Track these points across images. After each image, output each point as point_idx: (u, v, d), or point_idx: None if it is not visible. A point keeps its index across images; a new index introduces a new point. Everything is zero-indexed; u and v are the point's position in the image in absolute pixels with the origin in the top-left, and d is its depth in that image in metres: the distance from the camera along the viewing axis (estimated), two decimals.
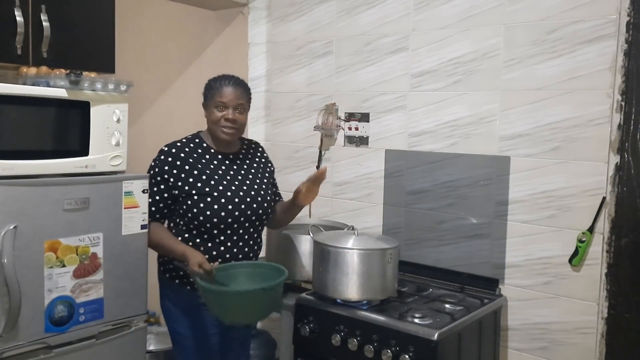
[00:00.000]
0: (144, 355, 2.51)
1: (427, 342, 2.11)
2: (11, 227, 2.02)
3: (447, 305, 2.43)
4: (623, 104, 2.29)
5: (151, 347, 2.93)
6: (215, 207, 2.29)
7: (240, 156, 2.47)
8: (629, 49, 2.27)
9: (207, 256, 2.27)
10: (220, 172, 2.37)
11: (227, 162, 2.41)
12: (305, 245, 2.67)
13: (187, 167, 2.32)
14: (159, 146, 2.84)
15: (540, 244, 2.49)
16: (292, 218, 2.60)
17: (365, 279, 2.33)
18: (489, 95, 2.60)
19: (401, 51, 2.87)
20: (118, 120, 2.35)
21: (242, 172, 2.43)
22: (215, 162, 2.38)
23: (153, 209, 2.35)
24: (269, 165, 2.60)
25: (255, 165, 2.51)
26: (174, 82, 3.56)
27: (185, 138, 2.42)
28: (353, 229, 2.89)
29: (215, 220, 2.29)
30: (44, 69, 2.25)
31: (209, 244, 2.34)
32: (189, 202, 2.30)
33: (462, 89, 2.68)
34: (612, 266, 2.34)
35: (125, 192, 2.34)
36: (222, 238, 2.34)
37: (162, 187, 2.33)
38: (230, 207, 2.31)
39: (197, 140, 2.41)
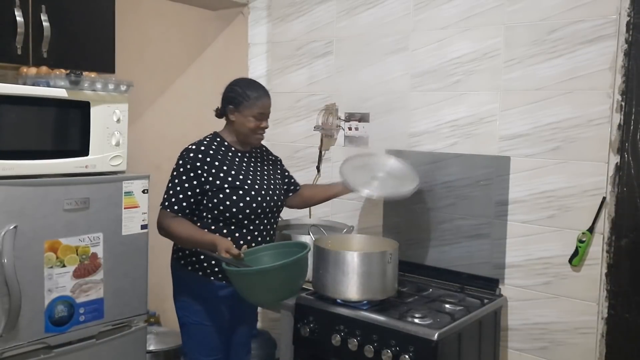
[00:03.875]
0: (144, 355, 2.51)
1: (427, 342, 2.11)
2: (11, 227, 2.02)
3: (447, 306, 2.42)
4: (623, 104, 2.29)
5: (151, 347, 2.94)
6: (247, 199, 2.38)
7: (254, 154, 2.57)
8: (629, 49, 2.27)
9: (245, 245, 2.35)
10: (243, 167, 2.46)
11: (245, 159, 2.50)
12: None
13: (216, 163, 2.38)
14: (159, 146, 2.85)
15: (540, 244, 2.49)
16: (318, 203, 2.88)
17: (366, 279, 2.33)
18: (489, 95, 2.60)
19: (401, 51, 2.87)
20: (118, 120, 2.36)
21: (258, 167, 2.54)
22: (237, 160, 2.46)
23: (184, 204, 2.34)
24: (278, 161, 2.72)
25: (266, 161, 2.62)
26: (174, 82, 3.56)
27: (206, 138, 2.47)
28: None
29: (247, 211, 2.38)
30: (44, 69, 2.25)
31: (237, 234, 2.39)
32: (221, 196, 2.35)
33: (462, 89, 2.68)
34: (612, 266, 2.34)
35: (125, 192, 2.35)
36: (250, 227, 2.42)
37: (195, 182, 2.35)
38: (259, 198, 2.41)
39: (218, 139, 2.48)
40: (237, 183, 2.38)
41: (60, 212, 2.16)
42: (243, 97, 2.41)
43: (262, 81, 3.41)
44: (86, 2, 2.46)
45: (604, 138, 2.33)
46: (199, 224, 2.39)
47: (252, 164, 2.51)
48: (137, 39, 3.24)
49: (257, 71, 3.48)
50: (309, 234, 2.65)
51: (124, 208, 2.35)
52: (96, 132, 2.29)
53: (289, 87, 3.34)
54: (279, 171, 2.67)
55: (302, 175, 3.27)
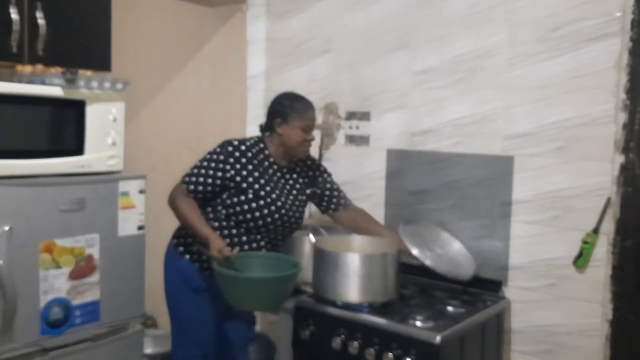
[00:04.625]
0: (141, 358, 2.50)
1: (429, 346, 2.09)
2: (6, 228, 2.01)
3: (449, 308, 2.40)
4: (628, 102, 2.26)
5: (148, 350, 2.92)
6: (266, 211, 2.39)
7: (290, 169, 2.57)
8: (634, 47, 2.24)
9: (237, 247, 2.33)
10: (274, 179, 2.47)
11: (278, 173, 2.51)
12: (305, 246, 2.65)
13: (250, 167, 2.40)
14: (156, 145, 2.82)
15: (545, 245, 2.47)
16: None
17: (366, 281, 2.30)
18: (492, 94, 2.57)
19: (403, 48, 2.84)
20: (114, 119, 2.34)
21: (290, 182, 2.55)
22: (271, 170, 2.48)
23: (200, 188, 2.37)
24: (320, 177, 2.67)
25: (302, 177, 2.61)
26: (171, 80, 3.53)
27: (250, 140, 2.49)
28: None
29: (260, 222, 2.40)
30: (39, 67, 2.24)
31: (244, 238, 2.42)
32: (242, 197, 2.38)
33: (465, 87, 2.65)
34: (617, 267, 2.32)
35: (121, 193, 2.34)
36: (258, 236, 2.44)
37: (219, 174, 2.37)
38: (276, 215, 2.42)
39: (261, 145, 2.49)
40: (262, 193, 2.39)
41: (55, 212, 2.15)
42: (291, 110, 2.44)
43: (261, 79, 3.41)
44: None
45: (609, 137, 2.30)
46: (211, 216, 2.41)
47: (283, 179, 2.52)
48: (134, 36, 3.21)
49: (255, 69, 3.45)
50: (309, 235, 2.62)
51: (120, 209, 2.34)
52: (92, 132, 2.28)
53: (288, 85, 3.29)
54: (314, 188, 2.64)
55: None
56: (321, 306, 2.39)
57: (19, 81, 2.19)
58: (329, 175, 2.72)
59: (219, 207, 2.41)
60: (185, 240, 2.44)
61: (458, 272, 2.48)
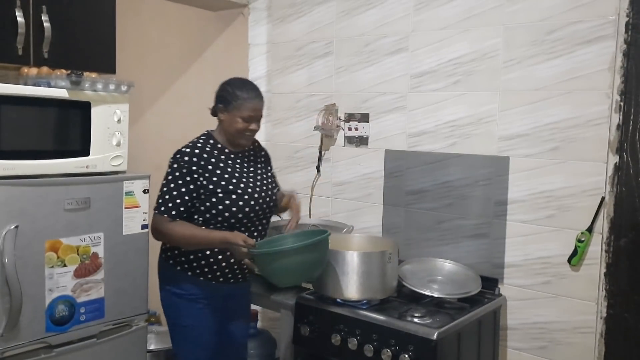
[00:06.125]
0: (145, 354, 2.52)
1: (427, 342, 2.12)
2: (12, 227, 2.03)
3: (446, 305, 2.43)
4: (622, 104, 2.29)
5: (152, 347, 2.94)
6: (240, 203, 2.34)
7: (247, 153, 2.51)
8: (628, 50, 2.27)
9: (227, 252, 2.30)
10: (237, 170, 2.41)
11: (238, 160, 2.44)
12: None
13: (210, 167, 2.33)
14: (160, 146, 2.84)
15: (540, 244, 2.50)
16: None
17: (365, 279, 2.33)
18: (489, 96, 2.61)
19: (401, 52, 2.87)
20: (119, 121, 2.36)
21: (252, 168, 2.48)
22: (230, 161, 2.41)
23: (181, 208, 2.28)
24: (268, 159, 2.64)
25: (259, 160, 2.56)
26: (174, 82, 3.56)
27: (199, 139, 2.41)
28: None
29: (240, 215, 2.34)
30: (45, 69, 2.25)
31: None
32: (214, 200, 2.31)
33: (461, 89, 2.68)
34: (611, 266, 2.35)
35: (126, 192, 2.35)
36: (241, 230, 2.36)
37: (191, 186, 2.29)
38: (251, 202, 2.37)
39: (211, 140, 2.41)
40: (231, 187, 2.34)
41: (61, 212, 2.17)
42: (232, 97, 2.36)
43: (263, 81, 3.44)
44: (87, 2, 2.47)
45: (603, 138, 2.34)
46: None
47: (245, 165, 2.46)
48: (138, 39, 3.24)
49: (257, 72, 3.49)
50: None
51: (125, 208, 2.36)
52: (97, 132, 2.30)
53: (289, 87, 3.35)
54: (269, 167, 2.62)
55: (302, 175, 3.28)
56: (321, 303, 2.42)
57: (25, 83, 2.20)
58: (270, 160, 2.66)
59: (196, 216, 2.34)
60: (172, 252, 2.39)
61: (466, 290, 2.48)
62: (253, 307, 3.30)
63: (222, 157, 2.39)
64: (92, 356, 2.30)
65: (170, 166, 2.31)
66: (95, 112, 2.29)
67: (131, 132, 2.42)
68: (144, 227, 2.41)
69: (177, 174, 2.29)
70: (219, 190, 2.31)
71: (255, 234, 2.43)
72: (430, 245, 2.79)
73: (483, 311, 2.42)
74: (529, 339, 2.55)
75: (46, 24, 2.28)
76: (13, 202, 2.04)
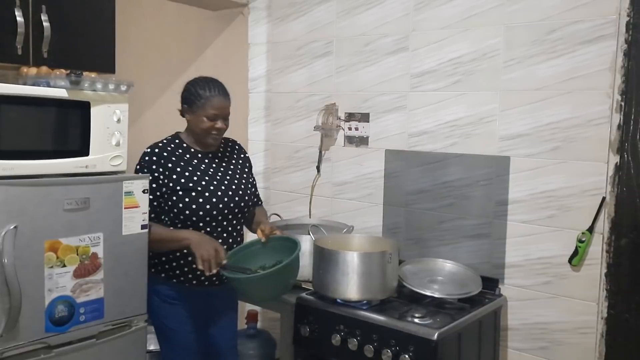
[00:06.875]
0: (144, 355, 2.50)
1: (427, 342, 2.12)
2: (11, 227, 2.02)
3: (446, 305, 2.43)
4: (623, 104, 2.29)
5: (151, 347, 2.92)
6: (200, 200, 2.34)
7: (219, 155, 2.52)
8: (629, 49, 2.27)
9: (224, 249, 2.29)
10: (201, 169, 2.42)
11: (206, 160, 2.46)
12: (305, 245, 2.66)
13: (170, 165, 2.37)
14: None
15: (540, 244, 2.50)
16: None
17: (366, 279, 2.33)
18: (489, 96, 2.60)
19: (401, 51, 2.87)
20: (118, 121, 2.35)
21: (222, 169, 2.48)
22: (196, 161, 2.43)
23: (154, 203, 2.37)
24: (247, 163, 2.64)
25: (234, 162, 2.56)
26: (174, 82, 3.54)
27: (165, 139, 2.47)
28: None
29: (200, 213, 2.34)
30: (44, 69, 2.25)
31: None
32: (174, 198, 2.35)
33: (462, 89, 2.68)
34: (611, 266, 2.35)
35: (125, 192, 2.34)
36: (207, 230, 2.37)
37: (154, 185, 2.35)
38: (213, 200, 2.37)
39: (177, 141, 2.46)
40: (191, 185, 2.35)
41: (60, 212, 2.16)
42: (196, 97, 2.38)
43: (262, 81, 3.44)
44: (86, 2, 2.46)
45: (604, 138, 2.33)
46: None
47: (213, 165, 2.46)
48: (138, 39, 3.24)
49: (257, 71, 3.49)
50: (309, 234, 2.65)
51: (124, 208, 2.35)
52: (96, 132, 2.29)
53: (289, 87, 3.34)
54: (246, 170, 2.59)
55: (302, 175, 3.28)
56: (321, 303, 2.42)
57: (24, 83, 2.19)
58: (251, 167, 2.65)
59: (162, 216, 2.38)
60: (153, 260, 2.43)
61: (466, 290, 2.48)
62: (253, 307, 3.31)
63: (186, 156, 2.42)
64: (91, 356, 2.29)
65: (136, 167, 2.40)
66: (94, 112, 2.28)
67: (131, 132, 2.41)
68: (143, 227, 2.40)
69: (140, 174, 2.36)
70: (178, 187, 2.35)
71: (225, 234, 2.42)
72: (431, 246, 2.79)
73: (483, 311, 2.42)
74: (530, 339, 2.55)
75: (45, 24, 2.28)
76: (12, 202, 2.03)
